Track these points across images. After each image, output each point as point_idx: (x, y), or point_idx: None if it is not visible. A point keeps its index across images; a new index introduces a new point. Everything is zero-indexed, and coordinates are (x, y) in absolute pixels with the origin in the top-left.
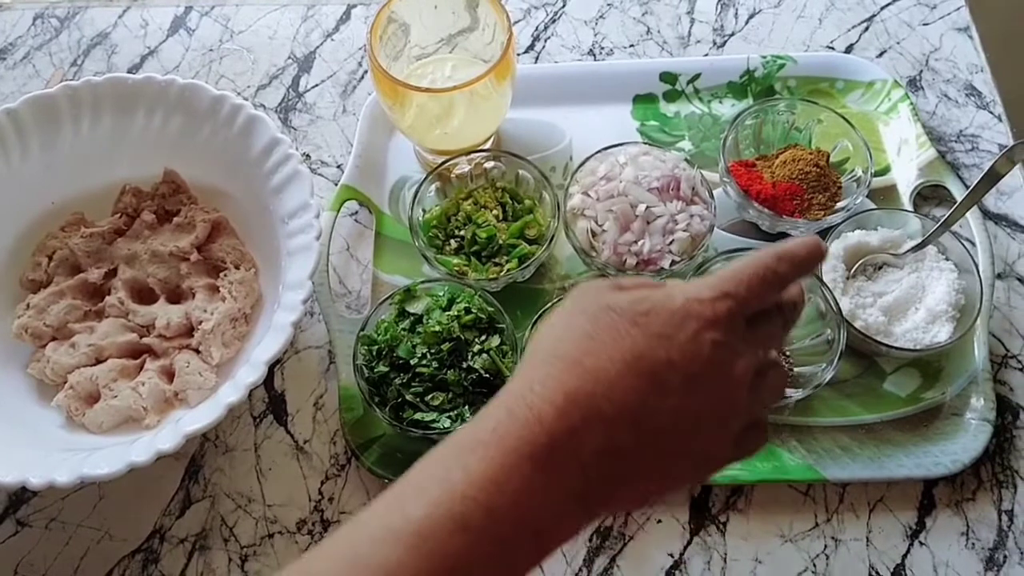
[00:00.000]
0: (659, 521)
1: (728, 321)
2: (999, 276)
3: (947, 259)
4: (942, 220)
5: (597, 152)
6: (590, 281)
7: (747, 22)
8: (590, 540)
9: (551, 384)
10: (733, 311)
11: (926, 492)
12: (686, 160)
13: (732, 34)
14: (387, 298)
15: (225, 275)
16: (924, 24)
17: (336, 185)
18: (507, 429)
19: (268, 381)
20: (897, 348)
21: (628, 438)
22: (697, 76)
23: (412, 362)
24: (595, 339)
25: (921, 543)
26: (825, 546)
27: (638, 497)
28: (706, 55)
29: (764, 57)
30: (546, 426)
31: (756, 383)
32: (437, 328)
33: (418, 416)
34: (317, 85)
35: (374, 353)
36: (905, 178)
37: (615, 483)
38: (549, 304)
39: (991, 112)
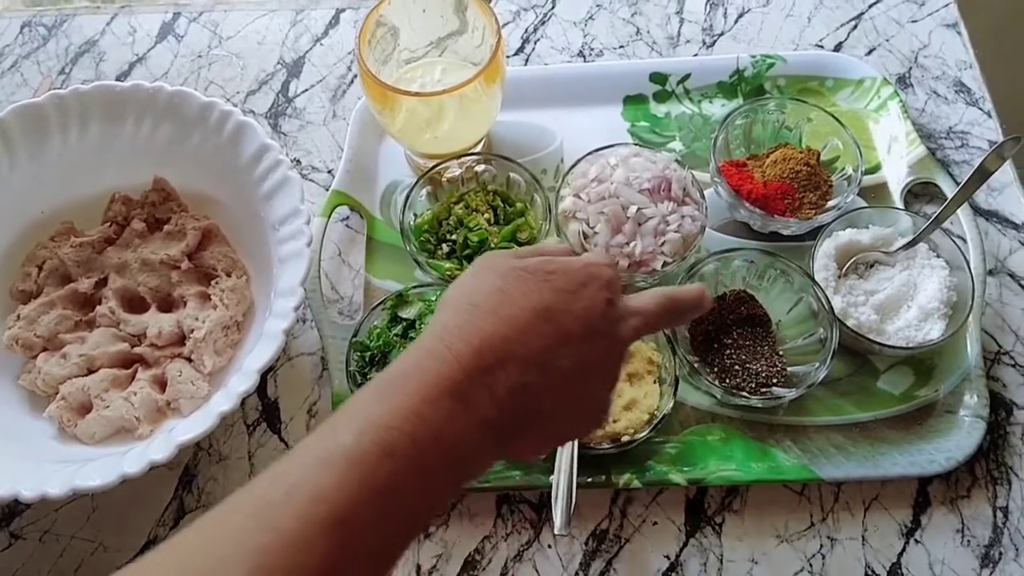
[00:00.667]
0: (655, 523)
1: (617, 284)
2: (990, 272)
3: (938, 256)
4: (933, 217)
5: (588, 154)
6: (497, 252)
7: (736, 21)
8: (586, 543)
9: (468, 328)
10: (617, 283)
11: (921, 490)
12: (677, 161)
13: (721, 34)
14: (379, 303)
15: (216, 283)
16: (913, 21)
17: (327, 190)
18: (428, 366)
19: (261, 389)
20: (890, 346)
21: (536, 377)
22: (687, 76)
23: None
24: (506, 293)
25: (917, 541)
26: (821, 545)
27: (543, 438)
28: (696, 55)
29: (754, 56)
30: (463, 364)
31: (624, 318)
32: None
33: None
34: (307, 90)
35: (367, 359)
36: (895, 176)
37: (524, 418)
38: None
39: (980, 108)
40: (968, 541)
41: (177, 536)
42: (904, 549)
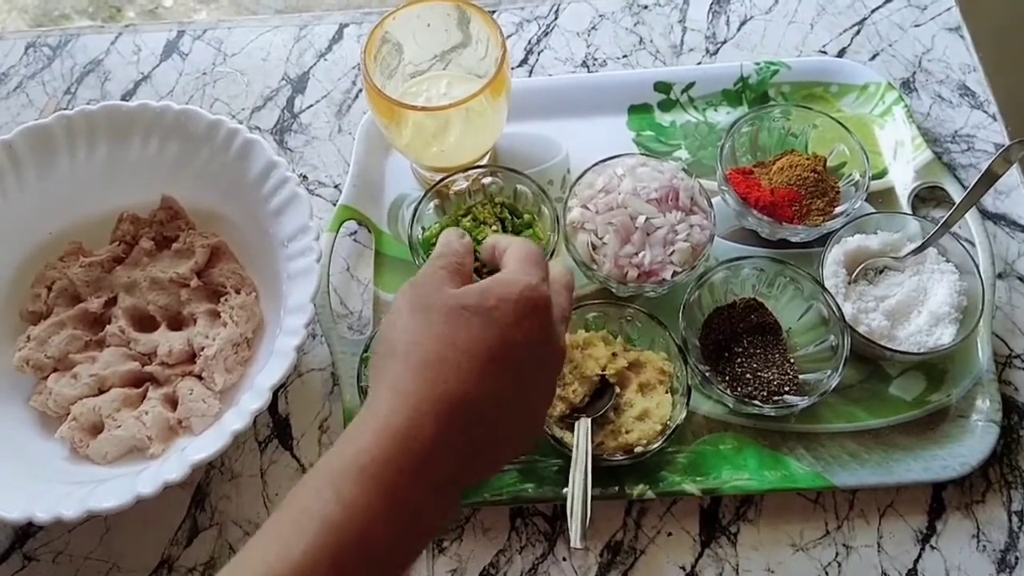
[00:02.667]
0: (670, 534)
1: (548, 300)
2: (1000, 276)
3: (948, 261)
4: (941, 222)
5: (595, 165)
6: (419, 279)
7: (739, 29)
8: (601, 555)
9: (425, 392)
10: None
11: (935, 496)
12: (684, 170)
13: (724, 41)
14: None
15: (226, 300)
16: (915, 25)
17: (334, 205)
18: (385, 450)
19: (272, 405)
20: (901, 352)
21: (494, 415)
22: (691, 85)
23: None
24: (453, 341)
25: (932, 547)
26: (837, 553)
27: (497, 464)
28: (699, 63)
29: (757, 64)
30: (425, 436)
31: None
32: None
33: None
34: (312, 105)
35: None
36: (902, 180)
37: (482, 458)
38: None
39: (985, 111)
40: (984, 546)
41: None
42: (920, 555)
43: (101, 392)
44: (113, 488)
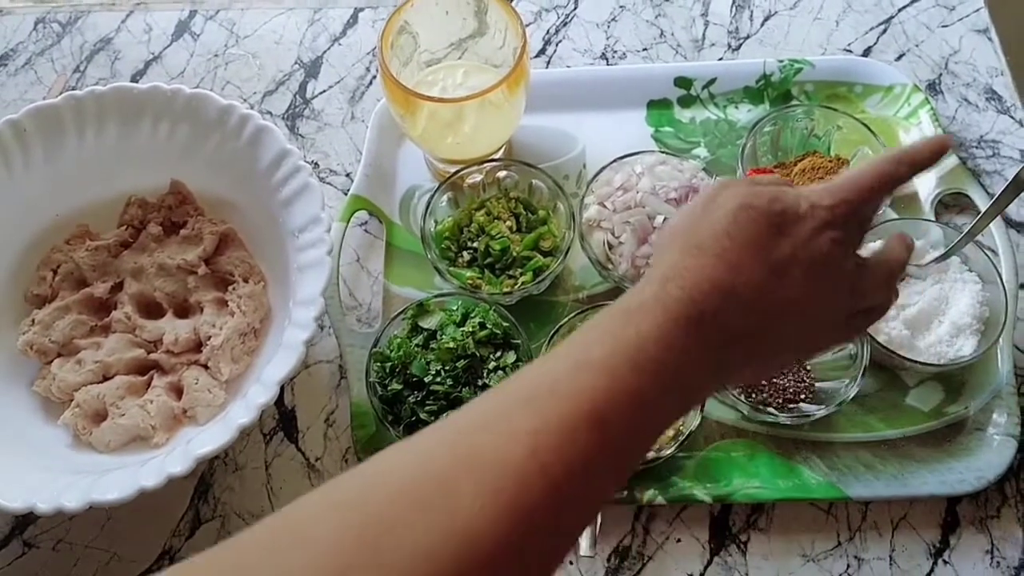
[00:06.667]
0: (679, 540)
1: (844, 223)
2: (1022, 286)
3: (970, 270)
4: (966, 230)
5: (613, 161)
6: (729, 180)
7: (763, 24)
8: (608, 560)
9: (699, 272)
10: (849, 215)
11: (949, 509)
12: (704, 170)
13: (747, 37)
14: (400, 313)
15: (234, 288)
16: (943, 26)
17: (345, 194)
18: (668, 301)
19: (278, 397)
20: (921, 363)
21: (757, 321)
22: (712, 81)
23: (426, 380)
24: (733, 238)
25: (945, 561)
26: (848, 565)
27: (754, 376)
28: (721, 59)
29: (781, 61)
30: (698, 303)
31: (860, 272)
32: (451, 344)
33: None
34: (324, 91)
35: (387, 370)
36: (926, 186)
37: (742, 358)
38: (565, 319)
39: (1012, 117)
40: (998, 563)
41: (454, 415)
42: (932, 570)
43: (105, 379)
44: (116, 480)
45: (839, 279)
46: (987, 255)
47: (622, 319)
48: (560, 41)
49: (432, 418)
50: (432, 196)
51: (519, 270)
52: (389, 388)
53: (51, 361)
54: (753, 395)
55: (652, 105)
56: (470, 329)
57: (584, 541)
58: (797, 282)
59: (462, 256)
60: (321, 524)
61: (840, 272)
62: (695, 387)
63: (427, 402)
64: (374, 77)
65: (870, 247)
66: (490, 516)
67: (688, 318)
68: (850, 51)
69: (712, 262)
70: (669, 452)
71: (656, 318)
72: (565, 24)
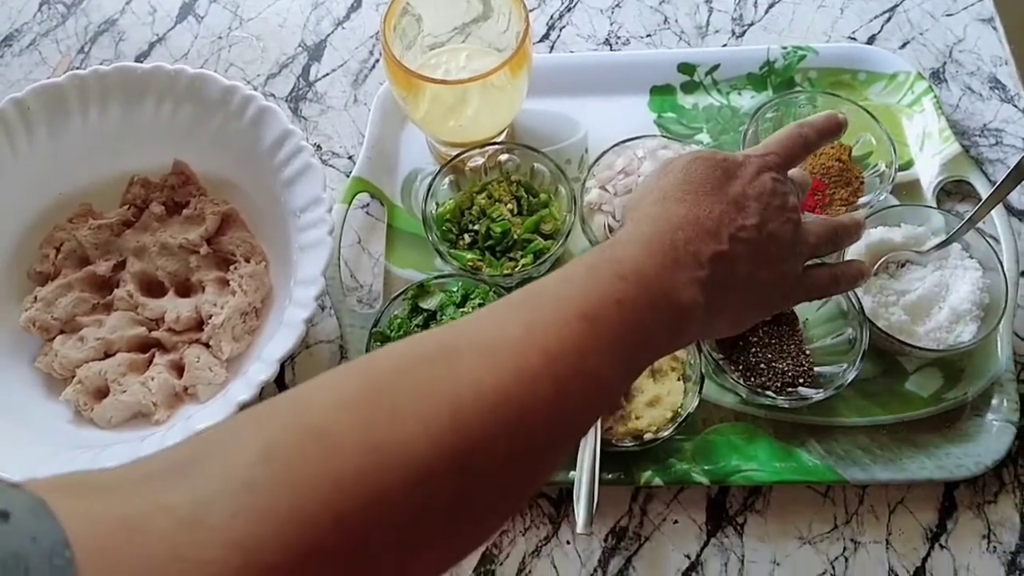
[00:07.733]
0: (675, 522)
1: (777, 167)
2: (1023, 274)
3: (971, 257)
4: (967, 217)
5: (615, 145)
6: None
7: (767, 11)
8: (605, 540)
9: (665, 212)
10: (779, 163)
11: (947, 494)
12: None
13: (751, 24)
14: (400, 293)
15: (235, 268)
16: (947, 15)
17: (347, 176)
18: (641, 238)
19: (279, 376)
20: (920, 348)
21: (726, 248)
22: (716, 67)
23: None
24: (691, 182)
25: (942, 546)
26: (844, 548)
27: (740, 309)
28: (724, 45)
29: (784, 48)
30: (668, 234)
31: (805, 216)
32: None
33: None
34: (328, 74)
35: None
36: (928, 173)
37: (719, 288)
38: None
39: (1015, 106)
40: (994, 548)
41: (458, 324)
42: (929, 554)
43: (107, 356)
44: (116, 454)
45: (790, 211)
46: (988, 242)
47: (598, 253)
48: (564, 27)
49: None
50: (434, 179)
51: (520, 252)
52: None
53: (53, 338)
54: (752, 378)
55: (655, 91)
56: (470, 310)
57: (580, 517)
58: (753, 211)
59: (463, 238)
60: (352, 381)
61: (787, 204)
62: (679, 308)
63: None
64: (377, 60)
65: (870, 232)
66: (490, 368)
67: (662, 245)
68: (854, 39)
69: (675, 204)
70: (667, 434)
71: (632, 249)
72: (569, 10)
